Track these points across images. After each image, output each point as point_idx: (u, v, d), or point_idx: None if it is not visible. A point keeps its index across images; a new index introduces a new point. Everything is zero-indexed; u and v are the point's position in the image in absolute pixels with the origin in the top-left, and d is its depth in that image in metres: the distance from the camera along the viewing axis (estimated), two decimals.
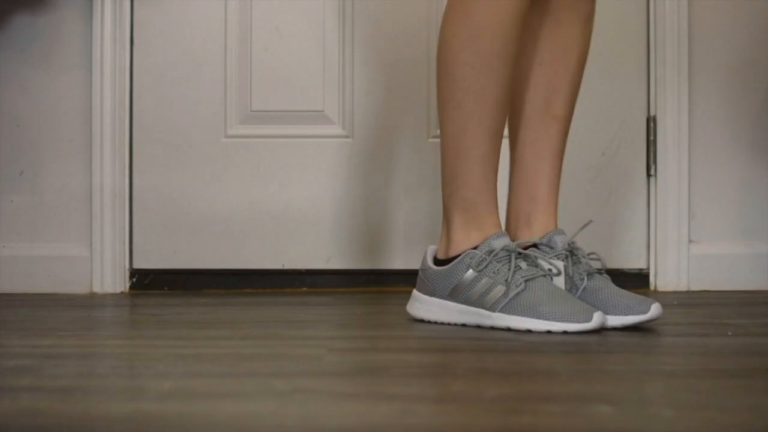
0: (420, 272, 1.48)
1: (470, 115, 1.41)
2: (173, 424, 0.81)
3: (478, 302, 1.39)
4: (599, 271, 1.44)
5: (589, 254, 1.46)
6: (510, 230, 1.52)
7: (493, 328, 1.37)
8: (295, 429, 0.80)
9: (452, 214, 1.47)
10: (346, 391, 0.95)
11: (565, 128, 1.51)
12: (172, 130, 1.98)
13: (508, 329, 1.35)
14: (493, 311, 1.37)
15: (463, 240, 1.45)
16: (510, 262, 1.38)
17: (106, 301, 1.83)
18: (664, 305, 1.75)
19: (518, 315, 1.35)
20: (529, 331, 1.33)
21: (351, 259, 1.98)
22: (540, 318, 1.34)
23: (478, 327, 1.38)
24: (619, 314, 1.39)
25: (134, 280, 1.97)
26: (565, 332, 1.32)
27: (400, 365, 1.11)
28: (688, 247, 1.99)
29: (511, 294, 1.36)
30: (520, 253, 1.40)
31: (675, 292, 1.95)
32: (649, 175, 2.00)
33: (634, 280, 2.00)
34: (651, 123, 2.00)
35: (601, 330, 1.34)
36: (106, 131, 1.95)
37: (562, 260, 1.43)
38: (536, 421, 0.82)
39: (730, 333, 1.34)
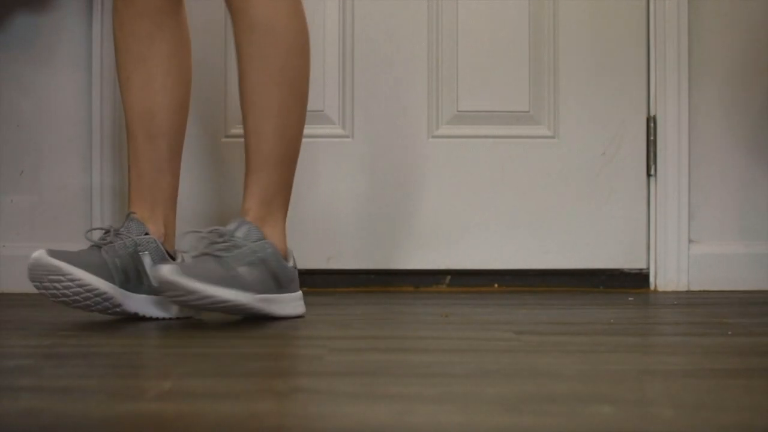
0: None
1: None
2: (173, 424, 0.81)
3: None
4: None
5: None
6: None
7: None
8: (295, 429, 0.80)
9: None
10: (346, 391, 0.95)
11: (168, 143, 1.56)
12: None
13: None
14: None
15: None
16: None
17: None
18: (664, 305, 1.76)
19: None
20: None
21: (351, 258, 1.98)
22: None
23: None
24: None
25: None
26: None
27: (400, 365, 1.11)
28: (688, 247, 1.99)
29: None
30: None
31: (675, 292, 1.95)
32: (649, 175, 2.00)
33: (634, 280, 2.00)
34: (651, 123, 2.00)
35: None
36: (106, 131, 1.95)
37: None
38: (536, 421, 0.82)
39: (730, 333, 1.34)
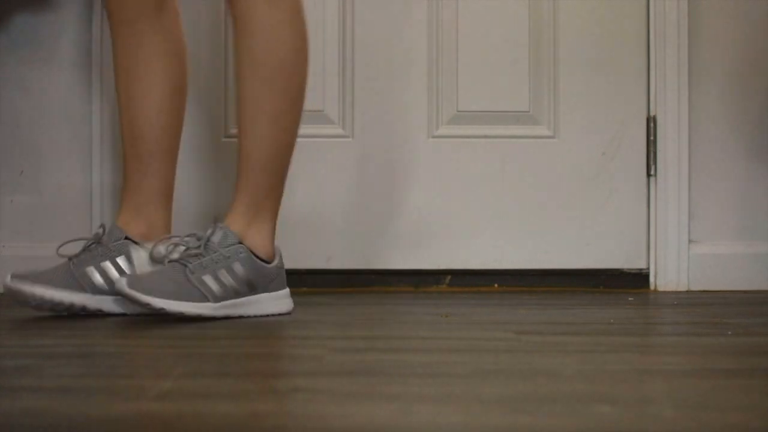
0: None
1: None
2: (173, 424, 0.81)
3: None
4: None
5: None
6: None
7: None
8: (295, 429, 0.80)
9: None
10: (346, 391, 0.95)
11: (149, 147, 1.61)
12: None
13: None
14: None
15: None
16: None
17: None
18: (664, 305, 1.76)
19: None
20: None
21: (351, 258, 1.98)
22: None
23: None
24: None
25: None
26: None
27: (400, 365, 1.11)
28: (688, 247, 1.99)
29: None
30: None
31: (675, 292, 1.95)
32: (649, 175, 2.00)
33: (634, 280, 2.00)
34: (651, 123, 2.00)
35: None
36: (106, 131, 1.95)
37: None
38: (536, 421, 0.82)
39: (730, 333, 1.34)
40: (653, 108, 1.99)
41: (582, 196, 2.00)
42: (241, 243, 1.50)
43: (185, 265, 1.46)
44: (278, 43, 1.52)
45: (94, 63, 1.95)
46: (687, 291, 1.97)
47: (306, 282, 1.98)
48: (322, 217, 2.00)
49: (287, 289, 1.57)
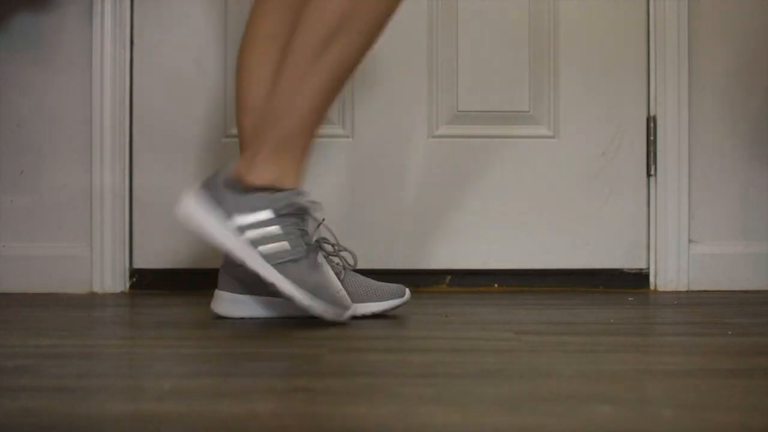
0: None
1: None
2: (173, 424, 0.81)
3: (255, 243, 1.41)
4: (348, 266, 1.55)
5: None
6: None
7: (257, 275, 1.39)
8: (295, 429, 0.80)
9: (263, 146, 1.43)
10: (346, 391, 0.95)
11: None
12: (172, 130, 1.98)
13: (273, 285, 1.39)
14: (269, 263, 1.40)
15: (268, 176, 1.43)
16: (302, 222, 1.45)
17: (106, 301, 1.83)
18: (664, 305, 1.76)
19: (289, 280, 1.40)
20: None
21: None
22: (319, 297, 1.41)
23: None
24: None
25: (134, 280, 1.97)
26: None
27: (400, 365, 1.11)
28: (688, 247, 1.99)
29: (295, 256, 1.42)
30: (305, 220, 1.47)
31: (675, 292, 1.95)
32: (649, 175, 2.00)
33: (634, 280, 2.00)
34: (651, 123, 2.00)
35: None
36: (106, 131, 1.95)
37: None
38: (536, 421, 0.82)
39: (730, 333, 1.35)
40: (653, 108, 2.00)
41: (582, 196, 2.00)
42: None
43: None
44: None
45: (94, 63, 1.95)
46: (687, 291, 1.97)
47: None
48: (323, 217, 1.99)
49: None
